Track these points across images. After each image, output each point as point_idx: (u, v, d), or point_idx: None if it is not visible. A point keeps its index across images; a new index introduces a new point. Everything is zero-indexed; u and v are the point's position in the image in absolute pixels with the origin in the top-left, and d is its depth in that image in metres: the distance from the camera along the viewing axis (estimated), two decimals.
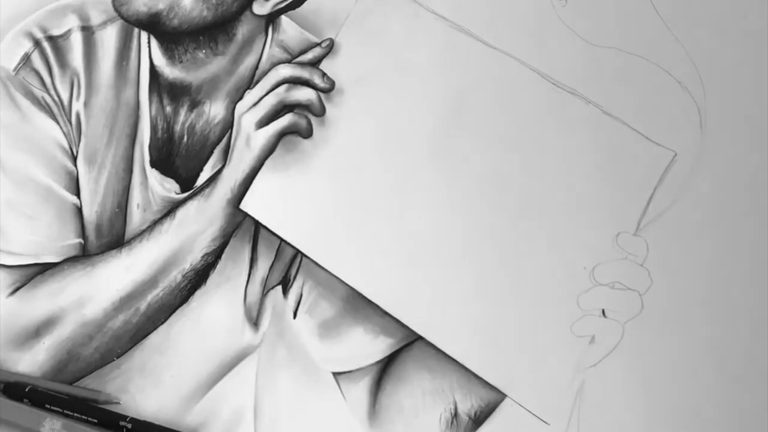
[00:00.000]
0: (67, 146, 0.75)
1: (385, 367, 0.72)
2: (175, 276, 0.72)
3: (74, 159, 0.75)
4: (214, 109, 0.75)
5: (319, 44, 0.75)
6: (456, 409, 0.71)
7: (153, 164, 0.75)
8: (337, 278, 0.72)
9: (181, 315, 0.72)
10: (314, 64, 0.74)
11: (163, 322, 0.72)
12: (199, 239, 0.73)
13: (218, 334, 0.72)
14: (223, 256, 0.73)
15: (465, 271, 0.72)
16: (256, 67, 0.76)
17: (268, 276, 0.73)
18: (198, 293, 0.73)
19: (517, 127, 0.74)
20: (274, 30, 0.76)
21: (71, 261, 0.73)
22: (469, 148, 0.74)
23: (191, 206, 0.73)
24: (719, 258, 0.73)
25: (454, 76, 0.75)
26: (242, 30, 0.75)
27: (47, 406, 0.68)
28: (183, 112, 0.75)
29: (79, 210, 0.74)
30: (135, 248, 0.73)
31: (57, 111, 0.75)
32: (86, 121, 0.75)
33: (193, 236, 0.73)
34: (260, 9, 0.75)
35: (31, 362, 0.71)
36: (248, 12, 0.75)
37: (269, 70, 0.74)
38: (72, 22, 0.76)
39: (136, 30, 0.76)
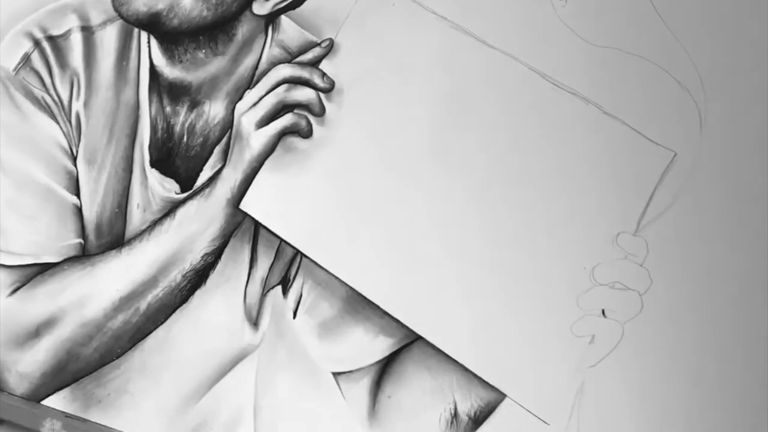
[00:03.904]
0: (66, 146, 0.75)
1: (385, 367, 0.72)
2: (174, 276, 0.72)
3: (74, 159, 0.75)
4: (214, 109, 0.75)
5: (319, 44, 0.75)
6: (456, 408, 0.71)
7: (153, 164, 0.75)
8: (337, 278, 0.72)
9: (180, 315, 0.73)
10: (314, 64, 0.74)
11: (162, 322, 0.72)
12: (199, 239, 0.73)
13: (218, 334, 0.72)
14: (223, 256, 0.73)
15: (464, 271, 0.72)
16: (256, 67, 0.76)
17: (267, 276, 0.73)
18: (198, 293, 0.73)
19: (517, 127, 0.74)
20: (273, 30, 0.76)
21: (71, 261, 0.73)
22: (469, 148, 0.74)
23: (191, 206, 0.73)
24: (719, 258, 0.73)
25: (453, 76, 0.75)
26: (242, 30, 0.75)
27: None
28: (183, 112, 0.75)
29: (79, 210, 0.74)
30: (135, 248, 0.73)
31: (57, 111, 0.75)
32: (86, 121, 0.75)
33: (193, 236, 0.73)
34: (260, 9, 0.75)
35: (31, 362, 0.71)
36: (248, 12, 0.75)
37: (269, 70, 0.74)
38: (72, 22, 0.76)
39: (136, 30, 0.76)
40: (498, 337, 0.71)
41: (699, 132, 0.74)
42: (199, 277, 0.73)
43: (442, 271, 0.72)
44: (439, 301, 0.72)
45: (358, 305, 0.72)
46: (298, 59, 0.75)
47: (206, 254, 0.73)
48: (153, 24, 0.73)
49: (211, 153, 0.75)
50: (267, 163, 0.73)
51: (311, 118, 0.73)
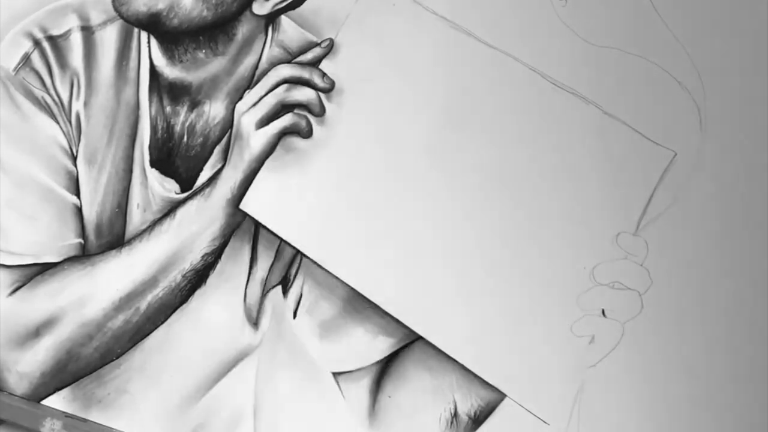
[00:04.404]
0: (67, 146, 0.75)
1: (385, 367, 0.72)
2: (175, 276, 0.72)
3: (74, 159, 0.75)
4: (214, 109, 0.75)
5: (318, 44, 0.75)
6: (456, 408, 0.71)
7: (153, 164, 0.75)
8: (337, 278, 0.72)
9: (181, 315, 0.73)
10: (314, 64, 0.74)
11: (163, 322, 0.72)
12: (199, 239, 0.73)
13: (218, 334, 0.72)
14: (223, 256, 0.73)
15: (464, 271, 0.72)
16: (256, 67, 0.76)
17: (267, 276, 0.73)
18: (198, 293, 0.73)
19: (517, 127, 0.74)
20: (273, 30, 0.76)
21: (71, 261, 0.73)
22: (469, 148, 0.74)
23: (191, 206, 0.73)
24: (719, 258, 0.73)
25: (453, 76, 0.75)
26: (242, 30, 0.75)
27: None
28: (183, 112, 0.75)
29: (79, 210, 0.74)
30: (135, 248, 0.73)
31: (57, 111, 0.75)
32: (86, 121, 0.75)
33: (193, 236, 0.73)
34: (260, 9, 0.75)
35: (31, 362, 0.71)
36: (248, 12, 0.75)
37: (269, 70, 0.74)
38: (72, 22, 0.76)
39: (136, 30, 0.76)
40: (498, 337, 0.71)
41: (699, 132, 0.74)
42: (199, 277, 0.73)
43: (443, 270, 0.72)
44: (439, 301, 0.72)
45: (359, 305, 0.72)
46: (298, 59, 0.75)
47: (206, 254, 0.73)
48: (153, 24, 0.73)
49: (211, 153, 0.75)
50: (267, 163, 0.73)
51: (311, 118, 0.73)
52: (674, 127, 0.74)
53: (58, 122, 0.75)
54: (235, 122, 0.73)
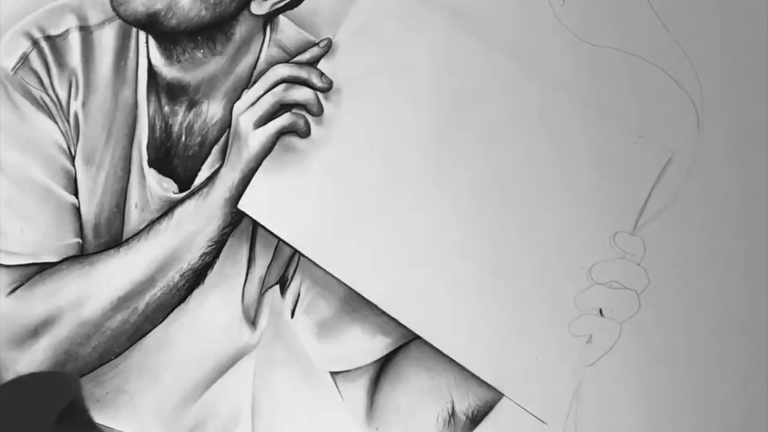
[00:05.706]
0: (65, 146, 0.75)
1: (383, 366, 0.72)
2: (173, 275, 0.72)
3: (72, 159, 0.75)
4: (212, 109, 0.75)
5: (317, 44, 0.75)
6: (453, 408, 0.71)
7: (151, 164, 0.75)
8: (335, 278, 0.72)
9: (179, 315, 0.73)
10: (312, 63, 0.74)
11: (161, 322, 0.72)
12: (197, 239, 0.73)
13: (216, 333, 0.72)
14: (221, 255, 0.73)
15: (462, 270, 0.72)
16: (254, 67, 0.76)
17: (265, 275, 0.73)
18: (196, 293, 0.73)
19: (515, 127, 0.74)
20: (272, 30, 0.76)
21: (69, 261, 0.73)
22: (467, 147, 0.74)
23: (189, 206, 0.73)
24: (716, 257, 0.73)
25: (452, 76, 0.75)
26: (240, 30, 0.75)
27: None
28: (181, 111, 0.75)
29: (78, 210, 0.74)
30: (133, 248, 0.73)
31: (55, 111, 0.75)
32: (84, 120, 0.75)
33: (191, 236, 0.73)
34: (258, 9, 0.75)
35: (30, 362, 0.71)
36: (246, 12, 0.75)
37: (267, 69, 0.74)
38: (70, 22, 0.76)
39: (134, 30, 0.76)
40: (496, 337, 0.71)
41: (696, 131, 0.74)
42: (197, 276, 0.73)
43: (440, 270, 0.72)
44: (436, 301, 0.72)
45: (356, 305, 0.72)
46: (296, 59, 0.75)
47: (204, 254, 0.73)
48: (151, 24, 0.73)
49: (209, 153, 0.75)
50: (265, 162, 0.73)
51: (309, 118, 0.73)
52: (672, 127, 0.74)
53: (56, 122, 0.75)
54: (233, 122, 0.74)
